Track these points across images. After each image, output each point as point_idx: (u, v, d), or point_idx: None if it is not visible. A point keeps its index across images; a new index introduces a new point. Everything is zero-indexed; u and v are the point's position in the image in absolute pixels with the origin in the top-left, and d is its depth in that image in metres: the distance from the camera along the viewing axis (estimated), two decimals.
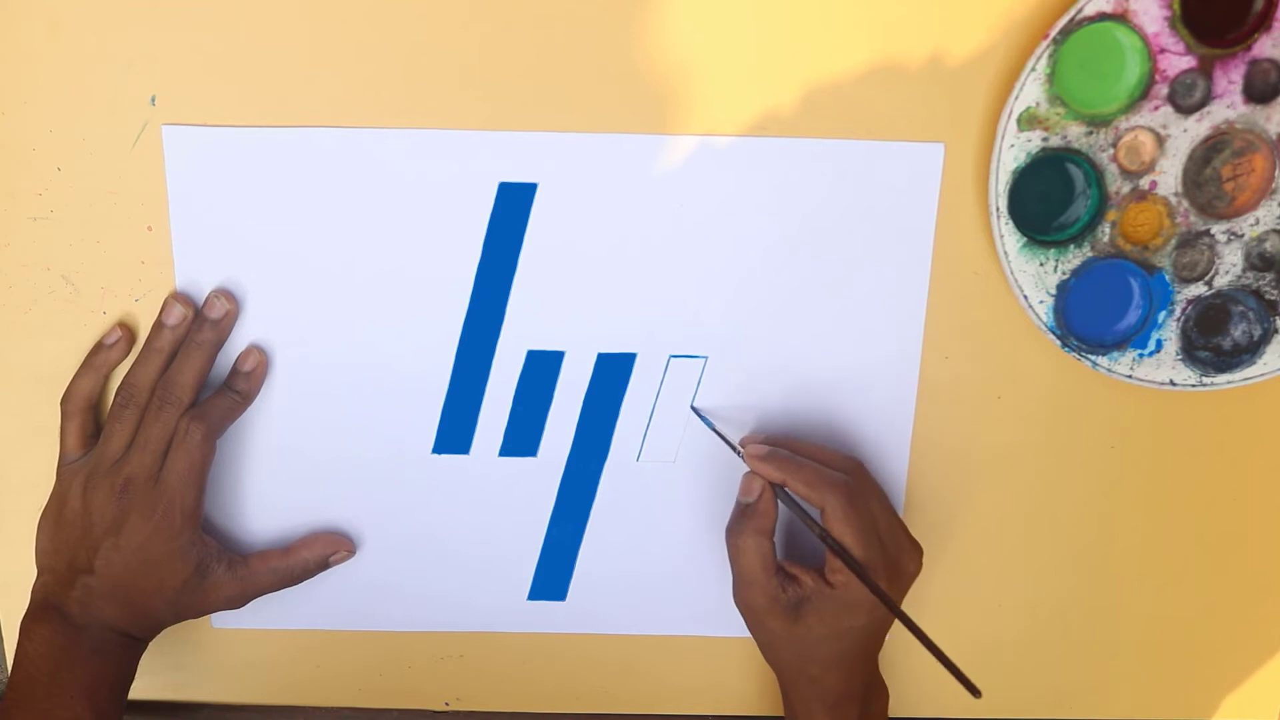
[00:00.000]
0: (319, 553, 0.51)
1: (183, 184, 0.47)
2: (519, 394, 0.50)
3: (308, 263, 0.48)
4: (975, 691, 0.38)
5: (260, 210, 0.48)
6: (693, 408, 0.51)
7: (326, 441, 0.51)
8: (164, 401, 0.47)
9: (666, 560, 0.53)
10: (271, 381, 0.50)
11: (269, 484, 0.51)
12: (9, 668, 0.48)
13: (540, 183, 0.48)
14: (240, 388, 0.49)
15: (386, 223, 0.48)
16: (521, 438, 0.51)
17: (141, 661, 0.49)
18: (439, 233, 0.48)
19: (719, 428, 0.50)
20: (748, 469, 0.48)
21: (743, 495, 0.48)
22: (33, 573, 0.49)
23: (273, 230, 0.48)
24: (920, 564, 0.48)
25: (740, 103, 0.47)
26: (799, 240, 0.49)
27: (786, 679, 0.49)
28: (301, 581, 0.51)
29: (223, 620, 0.54)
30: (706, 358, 0.50)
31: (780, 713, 0.51)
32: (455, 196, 0.48)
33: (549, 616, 0.54)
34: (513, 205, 0.48)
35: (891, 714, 0.56)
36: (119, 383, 0.48)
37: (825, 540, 0.45)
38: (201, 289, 0.49)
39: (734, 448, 0.49)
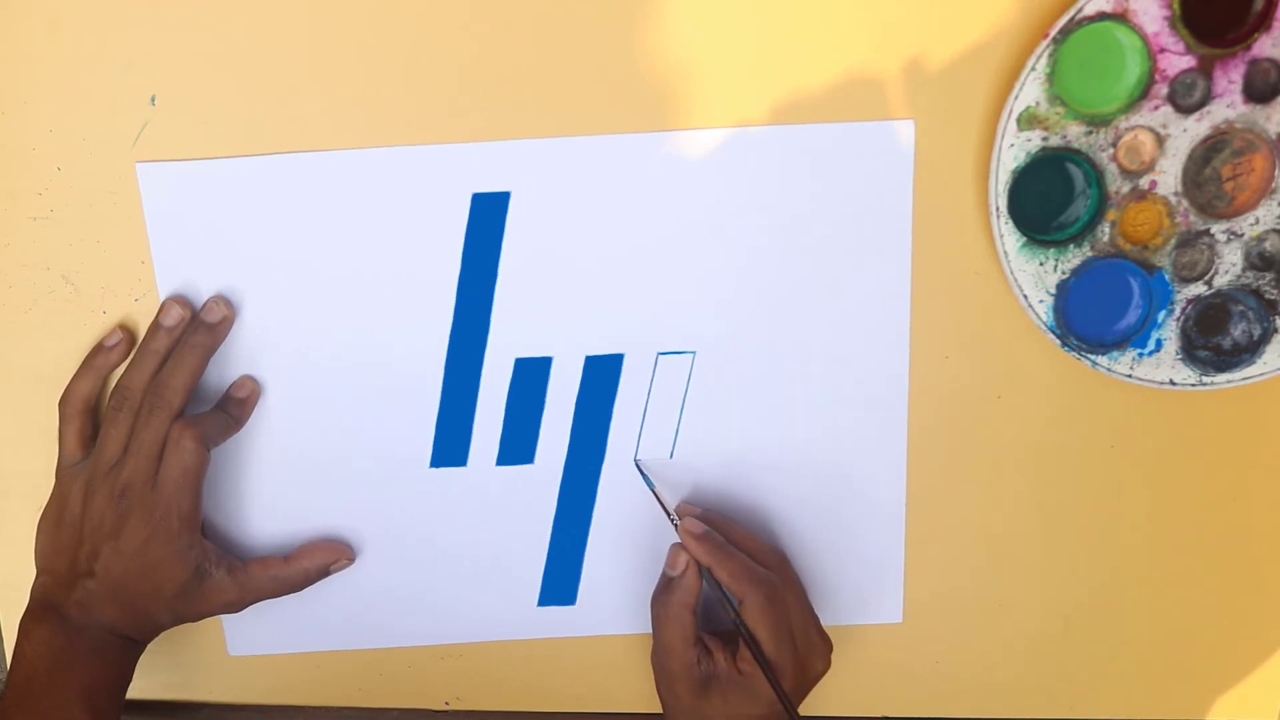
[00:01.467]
0: (319, 561, 0.51)
1: (161, 219, 0.48)
2: (511, 402, 0.51)
3: (290, 287, 0.49)
4: None
5: (238, 240, 0.48)
6: (635, 462, 0.51)
7: (328, 462, 0.51)
8: (154, 406, 0.47)
9: None
10: (270, 403, 0.50)
11: (274, 500, 0.52)
12: (8, 667, 0.48)
13: (513, 190, 0.48)
14: (234, 412, 0.49)
15: (365, 242, 0.48)
16: (517, 446, 0.51)
17: (141, 661, 0.49)
18: (417, 248, 0.48)
19: (658, 490, 0.51)
20: (676, 539, 0.49)
21: (669, 568, 0.49)
22: (33, 573, 0.49)
23: (252, 258, 0.48)
24: (829, 663, 0.49)
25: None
26: (780, 230, 0.48)
27: None
28: (301, 589, 0.51)
29: (232, 637, 0.54)
30: (695, 352, 0.50)
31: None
32: (430, 211, 0.48)
33: (561, 621, 0.54)
34: (488, 215, 0.48)
35: (891, 713, 0.56)
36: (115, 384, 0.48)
37: (739, 631, 0.47)
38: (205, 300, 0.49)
39: (669, 513, 0.50)
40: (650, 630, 0.49)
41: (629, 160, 0.47)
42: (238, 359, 0.49)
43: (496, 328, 0.49)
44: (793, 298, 0.49)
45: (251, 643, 0.53)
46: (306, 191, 0.47)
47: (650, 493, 0.51)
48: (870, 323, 0.50)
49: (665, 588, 0.49)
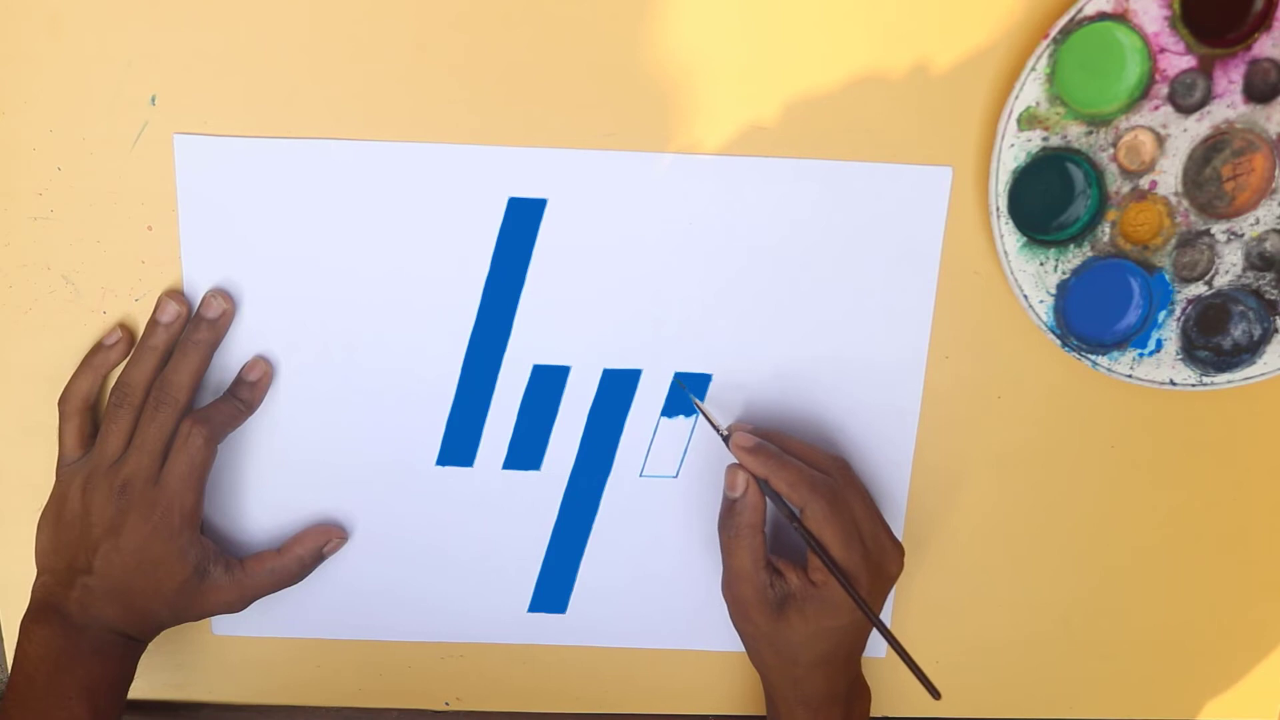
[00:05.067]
0: (311, 546, 0.51)
1: (193, 193, 0.47)
2: (524, 408, 0.50)
3: (316, 273, 0.48)
4: (935, 693, 0.39)
5: (270, 220, 0.48)
6: (676, 377, 0.50)
7: (331, 451, 0.51)
8: (160, 402, 0.47)
9: (667, 574, 0.53)
10: (278, 391, 0.50)
11: (273, 492, 0.51)
12: (9, 668, 0.48)
13: (550, 198, 0.48)
14: (244, 397, 0.49)
15: (396, 235, 0.48)
16: (525, 451, 0.51)
17: (141, 661, 0.49)
18: (448, 246, 0.48)
19: (708, 411, 0.50)
20: (732, 460, 0.48)
21: (728, 490, 0.48)
22: (33, 573, 0.49)
23: (282, 240, 0.48)
24: (902, 565, 0.48)
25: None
26: (806, 259, 0.49)
27: (771, 680, 0.50)
28: (300, 579, 0.51)
29: (224, 626, 0.54)
30: (712, 375, 0.50)
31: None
32: (465, 211, 0.48)
33: (549, 629, 0.54)
34: (522, 220, 0.48)
35: (892, 714, 0.56)
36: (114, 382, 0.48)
37: (806, 540, 0.46)
38: (203, 293, 0.48)
39: (720, 433, 0.49)
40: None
41: (667, 179, 0.47)
42: (253, 346, 0.49)
43: (518, 332, 0.49)
44: (814, 328, 0.49)
45: (239, 625, 0.53)
46: (342, 180, 0.47)
47: (699, 413, 0.50)
48: (889, 351, 0.50)
49: (729, 511, 0.48)
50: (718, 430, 0.49)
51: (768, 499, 0.47)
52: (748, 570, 0.47)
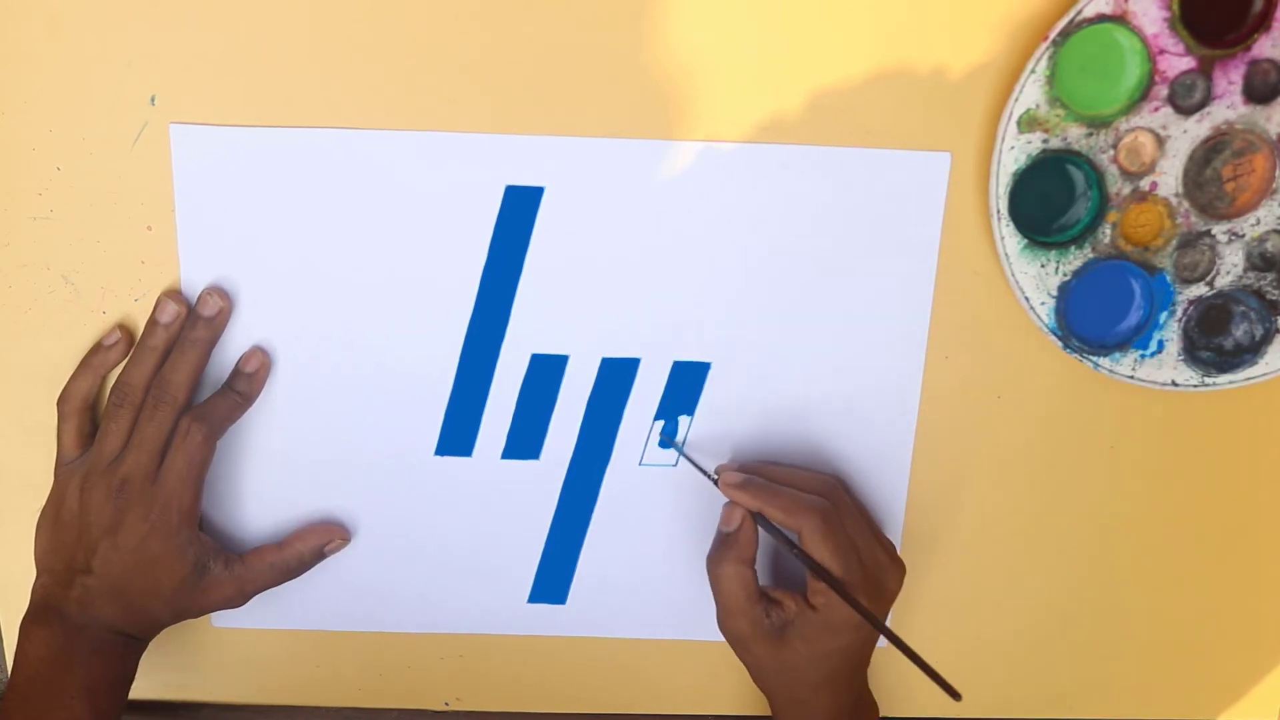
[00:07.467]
0: (313, 544, 0.51)
1: (189, 183, 0.47)
2: (522, 397, 0.50)
3: (313, 263, 0.48)
4: (955, 695, 0.39)
5: (266, 211, 0.48)
6: (670, 441, 0.51)
7: (329, 443, 0.51)
8: (159, 401, 0.47)
9: (667, 564, 0.53)
10: (275, 382, 0.50)
11: (270, 485, 0.51)
12: (9, 669, 0.48)
13: (547, 187, 0.48)
14: (242, 389, 0.49)
15: (393, 225, 0.48)
16: (524, 441, 0.51)
17: (142, 661, 0.49)
18: (445, 235, 0.48)
19: (694, 457, 0.51)
20: (725, 498, 0.48)
21: (723, 525, 0.48)
22: (33, 573, 0.49)
23: (278, 231, 0.48)
24: (901, 581, 0.49)
25: (746, 109, 0.47)
26: (804, 246, 0.48)
27: (777, 703, 0.50)
28: (299, 575, 0.51)
29: (223, 620, 0.54)
30: (710, 364, 0.50)
31: None
32: (462, 199, 0.48)
33: (549, 619, 0.54)
34: (519, 209, 0.48)
35: (893, 714, 0.56)
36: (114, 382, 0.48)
37: (804, 561, 0.46)
38: (202, 288, 0.48)
39: (708, 476, 0.49)
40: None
41: (664, 166, 0.47)
42: (251, 338, 0.49)
43: (516, 321, 0.49)
44: (812, 315, 0.49)
45: (237, 616, 0.53)
46: (339, 168, 0.47)
47: (686, 461, 0.51)
48: (888, 343, 0.50)
49: (721, 545, 0.48)
50: (706, 474, 0.49)
51: (764, 532, 0.47)
52: (741, 604, 0.47)
